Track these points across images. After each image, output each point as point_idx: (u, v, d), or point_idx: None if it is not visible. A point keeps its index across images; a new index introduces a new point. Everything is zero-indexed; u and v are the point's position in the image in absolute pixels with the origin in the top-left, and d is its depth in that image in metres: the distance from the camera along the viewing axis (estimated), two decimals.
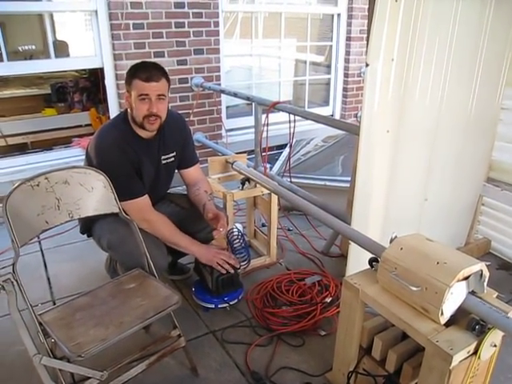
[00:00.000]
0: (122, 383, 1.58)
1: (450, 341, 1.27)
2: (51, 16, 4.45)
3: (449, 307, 1.31)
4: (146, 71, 1.92)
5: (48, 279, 2.56)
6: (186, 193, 2.36)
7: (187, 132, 2.30)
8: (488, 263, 1.41)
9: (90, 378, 1.49)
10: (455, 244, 2.62)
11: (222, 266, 2.05)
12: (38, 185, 1.57)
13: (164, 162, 2.17)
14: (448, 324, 1.34)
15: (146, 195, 2.04)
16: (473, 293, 1.35)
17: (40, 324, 1.50)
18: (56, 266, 2.69)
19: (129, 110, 2.01)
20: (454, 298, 1.31)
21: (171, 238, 2.05)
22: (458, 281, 1.29)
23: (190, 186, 2.30)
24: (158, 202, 2.20)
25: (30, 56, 4.96)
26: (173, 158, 2.21)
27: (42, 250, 2.86)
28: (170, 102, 2.18)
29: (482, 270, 1.34)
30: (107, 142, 1.99)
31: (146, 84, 1.91)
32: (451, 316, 1.34)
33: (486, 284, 1.35)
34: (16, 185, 1.52)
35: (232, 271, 2.08)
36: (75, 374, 1.58)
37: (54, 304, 2.27)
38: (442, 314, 1.31)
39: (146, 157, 2.06)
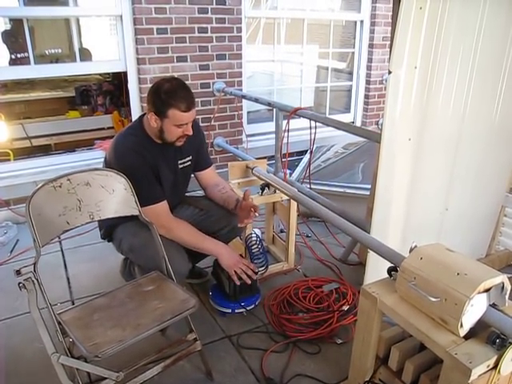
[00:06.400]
0: None
1: (469, 354, 1.25)
2: (77, 20, 4.54)
3: (468, 319, 1.29)
4: (183, 101, 1.90)
5: (68, 279, 2.60)
6: (202, 195, 2.38)
7: (201, 135, 2.31)
8: (510, 275, 1.38)
9: (106, 378, 1.51)
10: (476, 255, 2.57)
11: (238, 276, 2.05)
12: (60, 186, 1.59)
13: (181, 166, 2.19)
14: (467, 337, 1.31)
15: (165, 201, 2.04)
16: (493, 305, 1.32)
17: (59, 323, 1.52)
18: (76, 266, 2.73)
19: (153, 126, 1.96)
20: (474, 310, 1.28)
21: (193, 243, 2.05)
22: (479, 293, 1.27)
23: (211, 187, 2.32)
24: (176, 207, 2.22)
25: (56, 59, 5.07)
26: (189, 162, 2.22)
27: (62, 250, 2.90)
28: None
29: (503, 283, 1.31)
30: (125, 148, 1.99)
31: (186, 114, 1.92)
32: (471, 328, 1.31)
33: (507, 297, 1.32)
34: (39, 185, 1.54)
35: (249, 282, 2.07)
36: (92, 373, 1.60)
37: (73, 304, 2.30)
38: (461, 326, 1.28)
39: (163, 162, 2.07)
